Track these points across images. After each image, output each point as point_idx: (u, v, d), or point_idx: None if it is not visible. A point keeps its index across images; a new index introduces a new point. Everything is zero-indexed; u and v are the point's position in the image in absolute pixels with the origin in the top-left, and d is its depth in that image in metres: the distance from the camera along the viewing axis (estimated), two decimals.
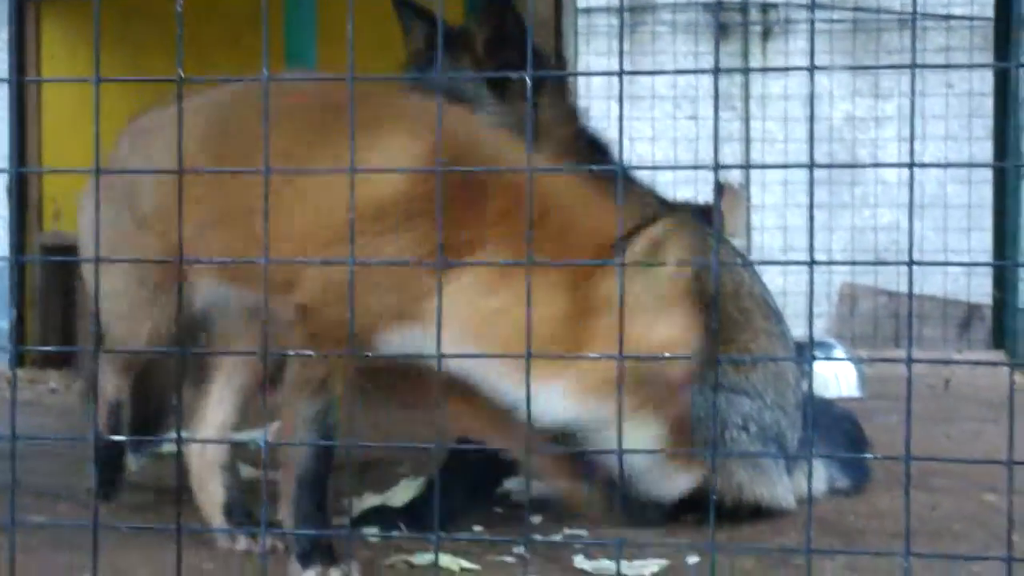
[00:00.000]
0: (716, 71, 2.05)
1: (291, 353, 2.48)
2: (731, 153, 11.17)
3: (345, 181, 2.03)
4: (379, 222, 2.41)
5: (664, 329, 2.33)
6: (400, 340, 2.43)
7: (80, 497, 3.40)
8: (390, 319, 2.42)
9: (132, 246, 2.83)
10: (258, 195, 2.01)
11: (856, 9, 11.21)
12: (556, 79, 3.20)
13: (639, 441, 2.32)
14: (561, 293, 2.31)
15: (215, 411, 3.02)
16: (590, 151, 3.12)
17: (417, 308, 2.37)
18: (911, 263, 2.34)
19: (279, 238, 2.33)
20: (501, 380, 2.30)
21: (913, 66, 2.00)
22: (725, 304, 3.15)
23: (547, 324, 2.27)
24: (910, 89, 1.97)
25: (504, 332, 2.28)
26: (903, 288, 9.56)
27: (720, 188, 5.94)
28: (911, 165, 2.15)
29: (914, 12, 2.50)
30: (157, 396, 3.24)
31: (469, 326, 2.33)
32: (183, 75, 2.08)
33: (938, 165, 1.92)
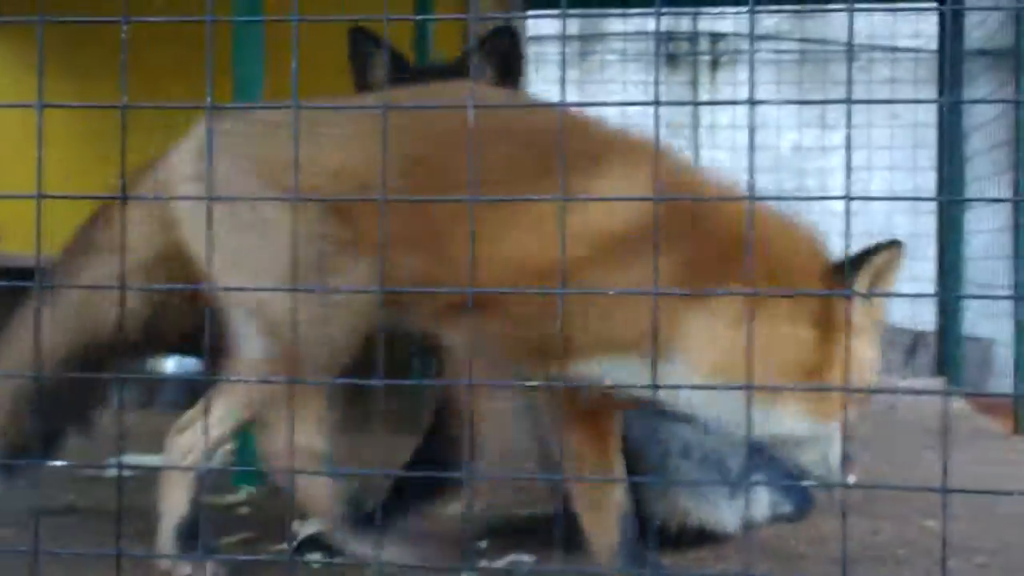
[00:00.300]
0: (656, 103, 2.08)
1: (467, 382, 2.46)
2: None
3: (569, 211, 2.07)
4: (608, 253, 2.41)
5: (874, 351, 2.50)
6: (617, 369, 2.44)
7: (24, 522, 3.38)
8: (610, 348, 2.42)
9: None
10: (452, 219, 2.00)
11: (803, 40, 11.34)
12: None
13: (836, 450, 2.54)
14: (800, 321, 2.40)
15: (215, 427, 2.98)
16: None
17: (643, 339, 2.32)
18: (850, 293, 2.38)
19: (480, 264, 2.31)
20: (752, 406, 2.29)
21: (849, 101, 2.04)
22: None
23: (789, 350, 2.38)
24: (847, 122, 2.00)
25: (760, 361, 2.28)
26: None
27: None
28: (848, 198, 2.18)
29: (850, 45, 2.54)
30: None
31: (716, 357, 2.36)
32: (127, 102, 2.09)
33: (873, 198, 1.96)
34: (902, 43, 11.05)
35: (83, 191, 6.24)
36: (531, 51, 9.62)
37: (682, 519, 3.12)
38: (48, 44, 2.09)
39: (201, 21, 2.02)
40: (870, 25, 11.03)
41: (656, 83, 2.03)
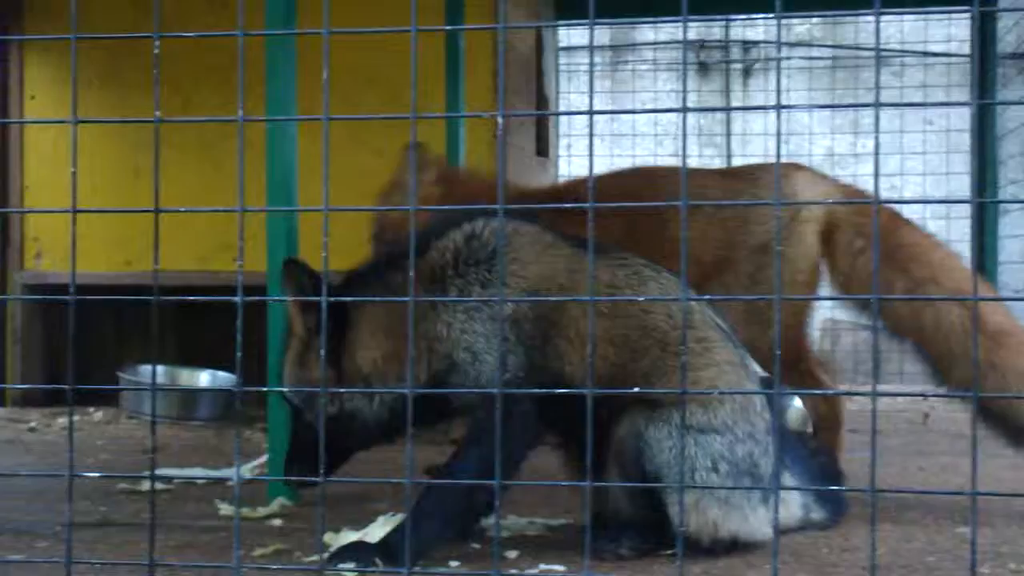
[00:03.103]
0: (684, 110, 2.09)
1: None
2: None
3: None
4: None
5: None
6: None
7: (59, 534, 3.41)
8: None
9: None
10: None
11: (835, 46, 11.31)
12: None
13: None
14: None
15: None
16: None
17: None
18: (877, 297, 2.38)
19: None
20: None
21: (877, 105, 2.04)
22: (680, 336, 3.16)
23: None
24: (875, 128, 2.00)
25: None
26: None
27: None
28: (877, 202, 2.19)
29: (877, 49, 2.53)
30: None
31: None
32: (160, 116, 2.11)
33: (902, 201, 1.96)
34: (934, 48, 11.01)
35: (119, 205, 6.31)
36: (562, 62, 9.64)
37: (713, 531, 3.13)
38: (89, 61, 2.12)
39: (234, 36, 2.04)
40: (902, 31, 11.00)
41: (684, 90, 2.04)
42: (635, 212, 4.01)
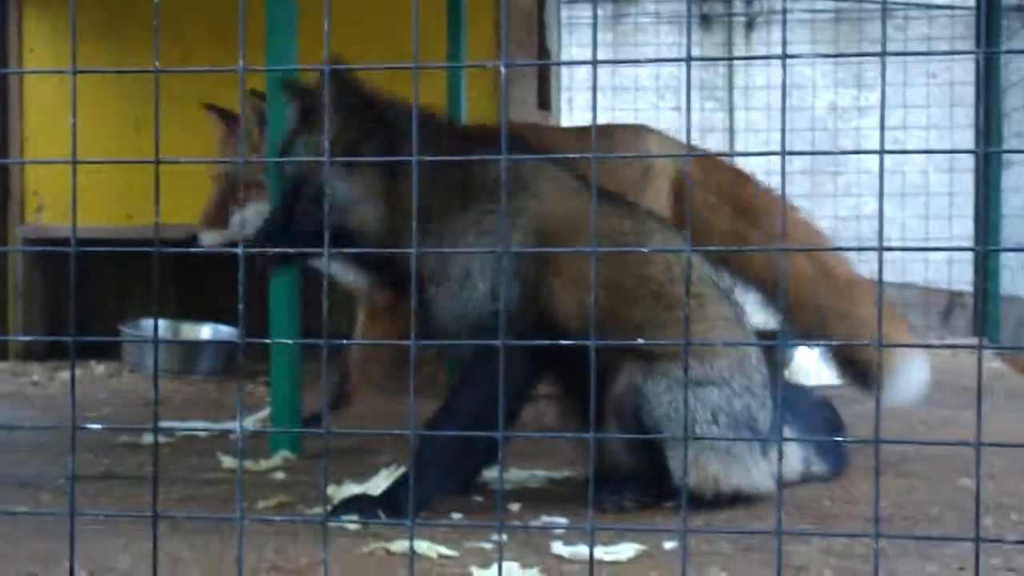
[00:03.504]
0: (689, 59, 2.07)
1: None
2: (715, 143, 11.19)
3: None
4: None
5: None
6: None
7: (62, 486, 3.42)
8: None
9: None
10: None
11: None
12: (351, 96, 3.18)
13: None
14: None
15: None
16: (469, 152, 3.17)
17: None
18: (881, 248, 2.36)
19: None
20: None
21: (883, 54, 2.02)
22: (676, 292, 3.15)
23: None
24: (882, 78, 1.99)
25: None
26: (886, 276, 9.59)
27: None
28: (881, 152, 2.17)
29: (884, 1, 2.50)
30: None
31: None
32: (160, 67, 2.09)
33: (907, 152, 1.94)
34: (938, 1, 10.94)
35: (120, 158, 6.29)
36: (563, 15, 9.58)
37: (714, 485, 3.13)
38: (86, 13, 2.10)
39: None
40: None
41: (688, 40, 2.02)
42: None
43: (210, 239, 4.35)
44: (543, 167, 3.24)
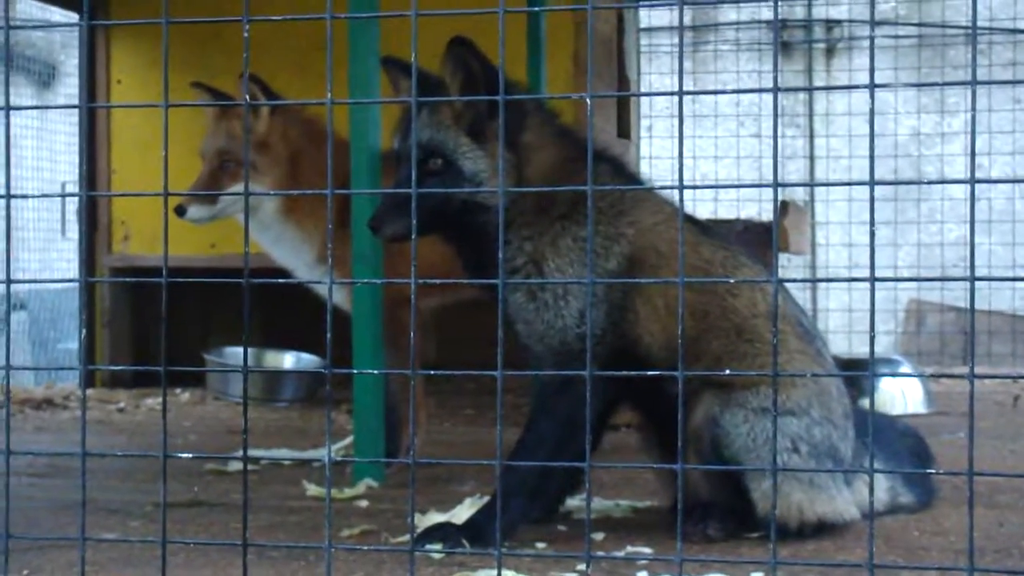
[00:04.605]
0: (776, 90, 2.06)
1: None
2: (796, 170, 11.15)
3: None
4: None
5: None
6: None
7: (150, 513, 3.46)
8: None
9: None
10: None
11: (921, 24, 11.15)
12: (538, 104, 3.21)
13: None
14: None
15: None
16: (579, 166, 3.14)
17: None
18: (973, 279, 2.33)
19: None
20: None
21: (974, 83, 2.00)
22: (758, 326, 3.15)
23: None
24: (971, 104, 1.97)
25: None
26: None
27: (784, 206, 5.93)
28: (972, 181, 2.14)
29: (974, 27, 2.47)
30: None
31: None
32: (249, 100, 2.12)
33: (998, 181, 1.92)
34: (1023, 25, 10.81)
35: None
36: (643, 43, 9.59)
37: (799, 514, 3.11)
38: (173, 45, 2.14)
39: (320, 19, 2.05)
40: (990, 7, 10.81)
41: (776, 67, 2.01)
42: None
43: (198, 214, 4.40)
44: (644, 195, 3.26)
